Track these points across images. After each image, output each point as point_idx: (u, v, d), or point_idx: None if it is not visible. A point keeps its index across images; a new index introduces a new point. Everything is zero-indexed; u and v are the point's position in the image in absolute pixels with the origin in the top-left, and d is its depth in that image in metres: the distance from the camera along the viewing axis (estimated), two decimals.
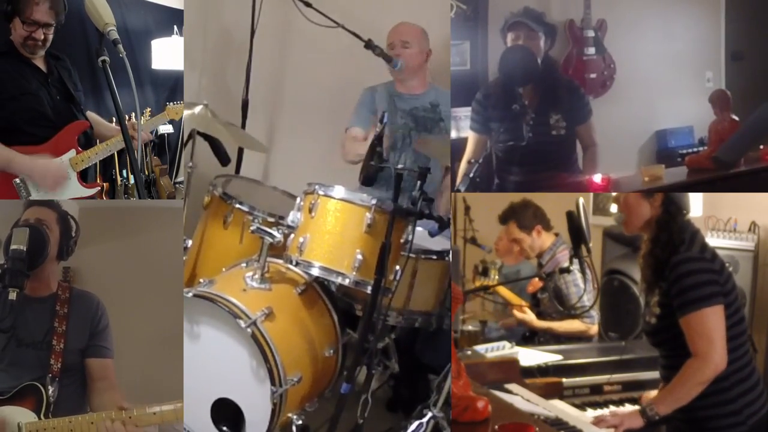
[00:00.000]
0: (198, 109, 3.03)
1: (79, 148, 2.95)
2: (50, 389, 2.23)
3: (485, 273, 3.71)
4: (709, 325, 2.17)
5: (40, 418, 2.19)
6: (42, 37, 2.86)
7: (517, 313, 3.58)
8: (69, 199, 2.93)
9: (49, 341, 2.30)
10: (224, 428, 2.46)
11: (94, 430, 2.11)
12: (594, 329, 3.51)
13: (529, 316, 3.54)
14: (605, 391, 2.79)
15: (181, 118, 3.34)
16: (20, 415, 2.18)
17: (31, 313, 2.32)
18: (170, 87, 4.53)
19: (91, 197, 3.01)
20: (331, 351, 2.62)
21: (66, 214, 2.47)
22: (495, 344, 3.00)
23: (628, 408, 2.66)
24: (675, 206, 2.33)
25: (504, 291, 3.72)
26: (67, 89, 3.01)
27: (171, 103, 3.29)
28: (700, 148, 3.85)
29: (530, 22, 3.02)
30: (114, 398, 2.33)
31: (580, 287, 3.33)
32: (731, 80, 4.12)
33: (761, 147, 3.05)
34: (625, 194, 2.42)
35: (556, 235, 3.58)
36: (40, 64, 2.95)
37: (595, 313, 3.46)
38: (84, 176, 2.99)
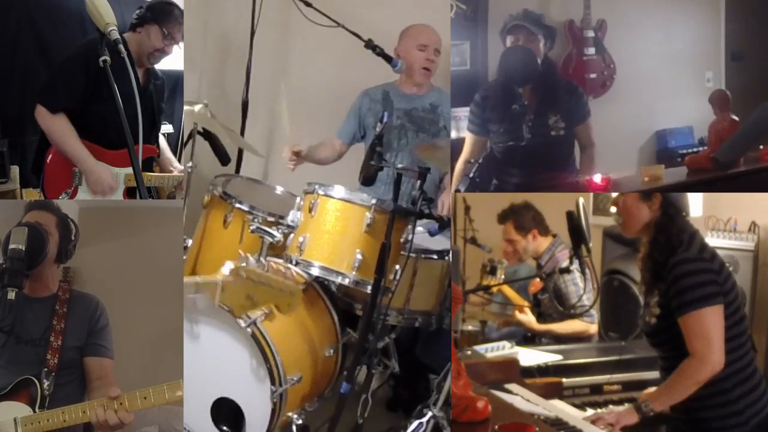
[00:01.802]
0: (198, 107, 3.03)
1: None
2: (45, 383, 2.24)
3: (493, 272, 3.69)
4: (707, 326, 2.17)
5: (35, 412, 2.19)
6: (171, 52, 3.00)
7: (518, 314, 3.58)
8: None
9: (47, 338, 2.31)
10: (224, 428, 2.46)
11: (86, 419, 2.12)
12: (594, 328, 3.51)
13: (529, 319, 3.54)
14: (605, 391, 2.79)
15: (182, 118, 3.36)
16: (16, 409, 2.19)
17: (31, 312, 2.33)
18: (170, 87, 4.52)
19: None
20: (331, 351, 2.62)
21: (66, 217, 2.47)
22: (495, 344, 3.00)
23: (624, 406, 2.66)
24: (674, 208, 2.32)
25: (507, 291, 3.72)
26: (152, 108, 3.09)
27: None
28: (700, 148, 3.85)
29: (529, 25, 3.02)
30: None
31: (580, 286, 3.33)
32: (731, 80, 4.12)
33: (761, 147, 3.05)
34: (624, 196, 2.41)
35: (554, 236, 3.59)
36: (140, 75, 3.04)
37: (594, 312, 3.46)
38: (130, 192, 3.07)
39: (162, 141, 3.24)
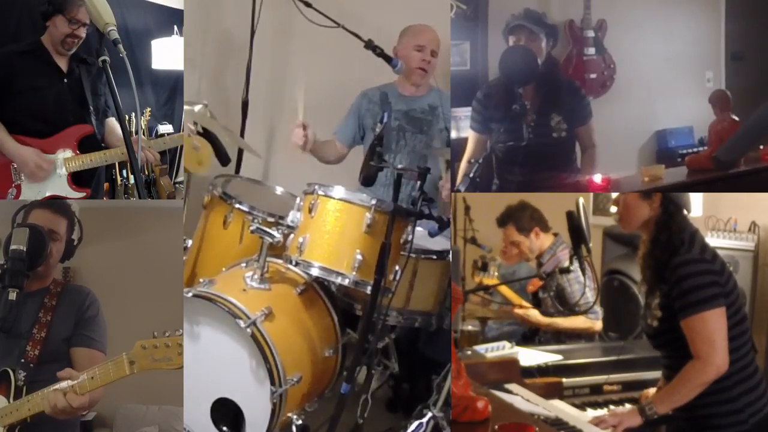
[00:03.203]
0: (198, 107, 3.03)
1: (77, 151, 3.02)
2: (21, 374, 2.22)
3: (485, 268, 3.70)
4: (711, 328, 2.17)
5: (9, 403, 2.19)
6: (83, 35, 2.98)
7: (518, 311, 3.58)
8: (70, 199, 2.96)
9: (32, 330, 2.30)
10: (224, 428, 2.46)
11: (45, 404, 2.09)
12: (598, 325, 3.49)
13: (532, 312, 3.53)
14: (605, 391, 2.79)
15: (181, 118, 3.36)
16: None
17: (22, 306, 2.30)
18: (170, 87, 4.53)
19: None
20: (331, 351, 2.62)
21: (73, 215, 2.47)
22: (495, 344, 3.00)
23: (627, 407, 2.66)
24: (674, 206, 2.32)
25: (505, 290, 3.72)
26: (82, 91, 3.08)
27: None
28: (700, 148, 3.85)
29: (531, 24, 3.01)
30: (100, 390, 2.28)
31: (582, 284, 3.32)
32: (731, 80, 4.12)
33: (761, 147, 3.05)
34: (624, 195, 2.42)
35: (555, 235, 3.58)
36: (62, 63, 3.04)
37: (599, 309, 3.45)
38: (77, 178, 3.04)
39: (111, 121, 3.20)
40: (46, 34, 3.01)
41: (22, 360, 2.26)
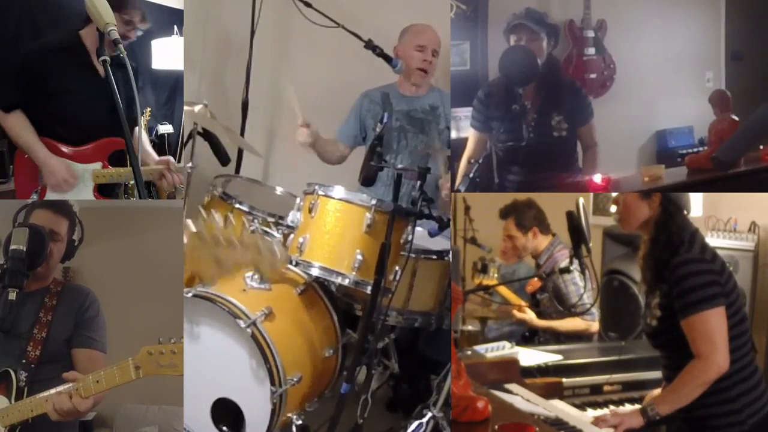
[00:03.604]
0: (198, 108, 3.03)
1: (107, 163, 2.95)
2: (22, 375, 2.22)
3: (485, 270, 3.71)
4: (711, 327, 2.17)
5: (11, 403, 2.18)
6: (134, 38, 2.91)
7: (516, 313, 3.58)
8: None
9: (32, 330, 2.29)
10: (224, 428, 2.46)
11: (49, 406, 2.07)
12: (595, 326, 3.50)
13: (530, 316, 3.54)
14: (605, 391, 2.79)
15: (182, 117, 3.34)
16: None
17: (22, 306, 2.29)
18: (170, 87, 4.53)
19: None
20: (331, 351, 2.62)
21: (75, 216, 2.47)
22: (495, 344, 3.00)
23: (629, 408, 2.66)
24: (674, 206, 2.32)
25: (504, 291, 3.72)
26: (117, 98, 2.94)
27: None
28: (700, 148, 3.85)
29: (532, 24, 3.01)
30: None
31: (579, 285, 3.33)
32: (731, 80, 4.12)
33: (761, 147, 3.05)
34: (624, 195, 2.42)
35: (554, 235, 3.59)
36: (99, 65, 2.87)
37: (595, 311, 3.46)
38: (102, 188, 2.99)
39: (140, 134, 3.09)
40: (88, 30, 2.85)
41: (23, 360, 2.25)
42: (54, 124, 2.88)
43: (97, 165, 2.94)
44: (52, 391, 2.10)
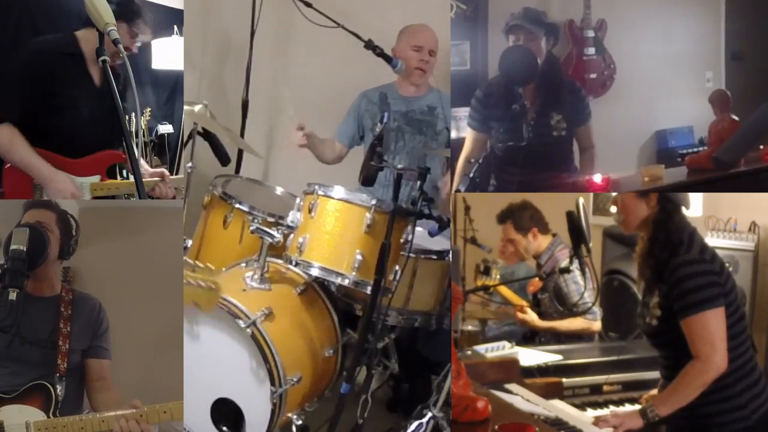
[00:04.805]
0: (198, 107, 3.03)
1: (105, 176, 2.86)
2: (59, 388, 2.25)
3: (487, 272, 3.70)
4: (711, 328, 2.17)
5: (49, 417, 2.20)
6: (136, 51, 2.81)
7: (519, 314, 3.58)
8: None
9: (54, 341, 2.32)
10: (224, 428, 2.46)
11: (105, 428, 2.13)
12: (597, 325, 3.49)
13: (531, 317, 3.54)
14: (605, 391, 2.79)
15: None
16: (28, 413, 2.19)
17: (35, 311, 2.33)
18: (170, 87, 4.53)
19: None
20: (331, 351, 2.62)
21: (65, 213, 2.47)
22: (495, 344, 3.00)
23: (629, 408, 2.66)
24: (672, 204, 2.33)
25: (505, 291, 3.72)
26: (115, 110, 2.84)
27: None
28: (700, 148, 3.85)
29: (529, 24, 3.01)
30: (111, 396, 2.37)
31: (580, 285, 3.32)
32: (731, 80, 4.12)
33: (761, 147, 3.05)
34: (623, 194, 2.42)
35: (554, 235, 3.58)
36: (95, 74, 2.78)
37: (597, 310, 3.46)
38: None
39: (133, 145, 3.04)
40: (86, 32, 2.70)
41: (57, 374, 2.28)
42: (50, 135, 2.71)
43: (96, 178, 2.84)
44: (116, 413, 2.17)
